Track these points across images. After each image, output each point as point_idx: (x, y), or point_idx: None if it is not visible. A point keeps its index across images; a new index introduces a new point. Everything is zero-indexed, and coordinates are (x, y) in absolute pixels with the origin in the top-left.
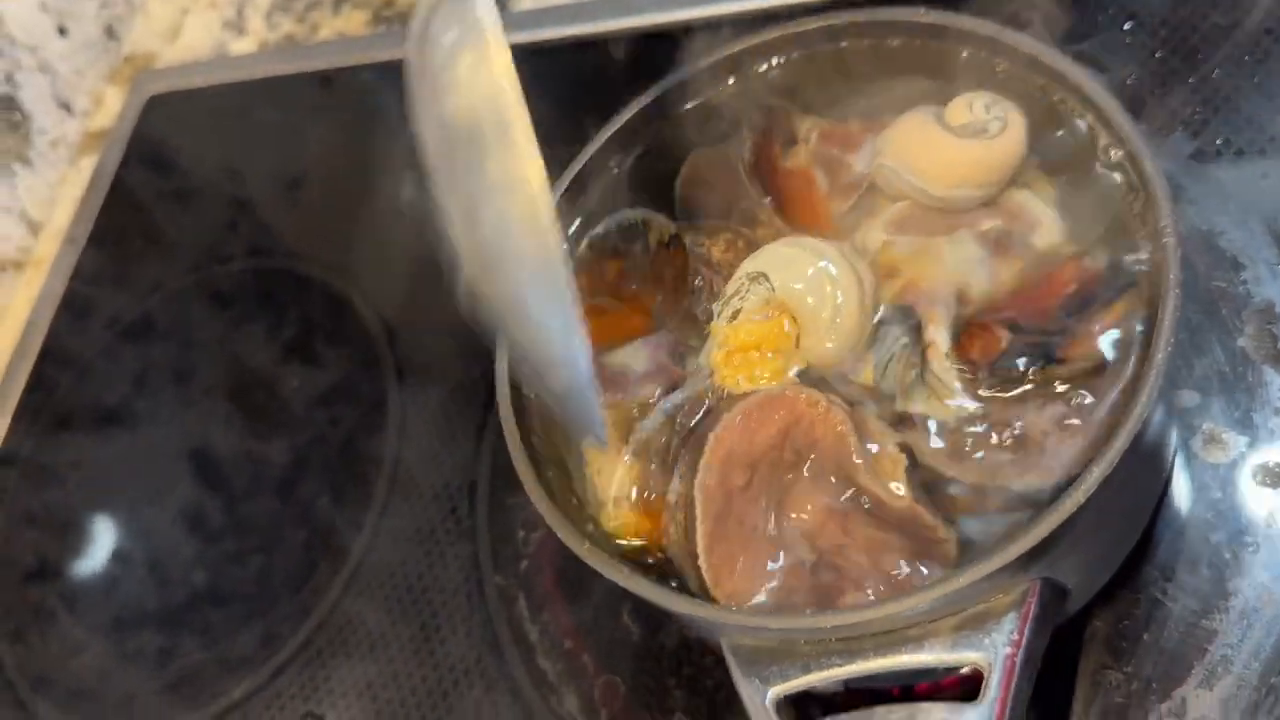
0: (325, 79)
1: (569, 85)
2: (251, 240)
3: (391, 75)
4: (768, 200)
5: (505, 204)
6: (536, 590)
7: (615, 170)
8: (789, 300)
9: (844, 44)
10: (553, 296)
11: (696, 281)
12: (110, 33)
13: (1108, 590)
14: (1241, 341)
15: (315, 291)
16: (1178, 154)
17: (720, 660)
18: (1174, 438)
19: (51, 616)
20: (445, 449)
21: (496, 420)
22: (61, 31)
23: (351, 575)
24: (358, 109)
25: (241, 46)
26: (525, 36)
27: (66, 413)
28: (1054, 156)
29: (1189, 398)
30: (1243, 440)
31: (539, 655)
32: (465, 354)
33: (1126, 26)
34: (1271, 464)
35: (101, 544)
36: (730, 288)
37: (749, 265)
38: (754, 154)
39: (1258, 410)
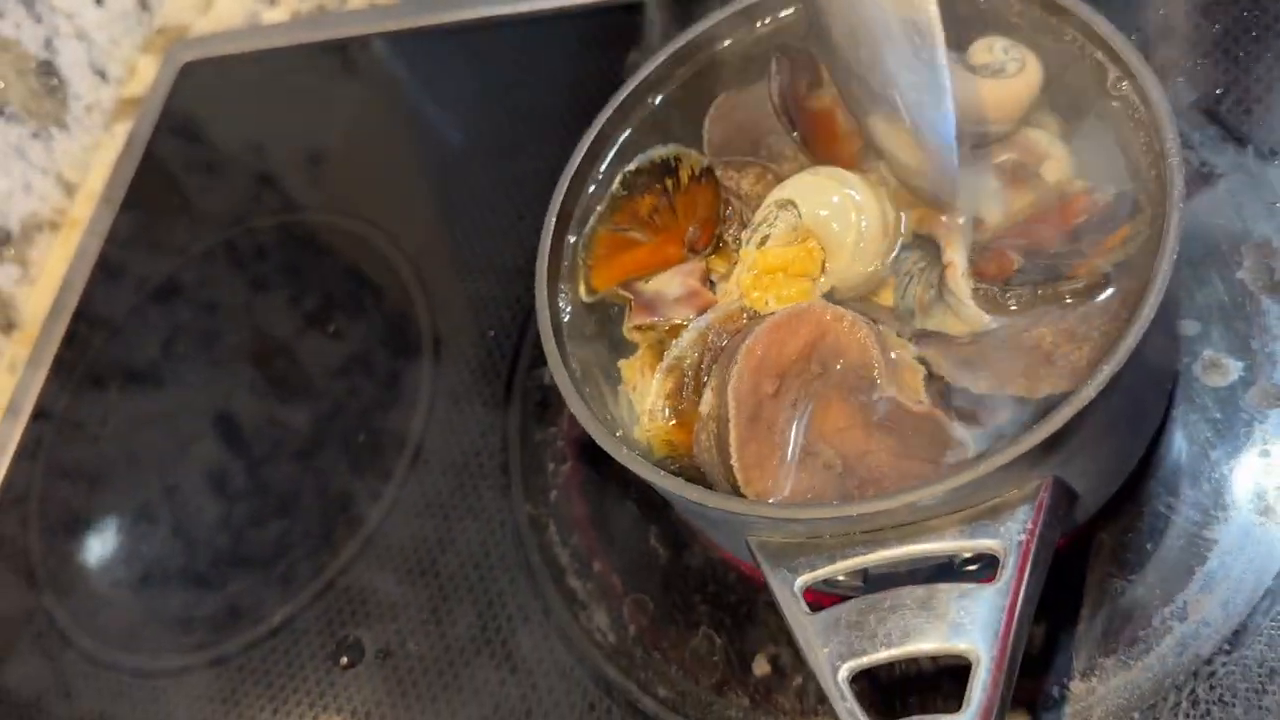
0: (356, 47)
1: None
2: (282, 203)
3: (421, 43)
4: (795, 135)
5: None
6: (565, 518)
7: (650, 109)
8: (815, 226)
9: None
10: (928, 68)
11: (727, 212)
12: (144, 4)
13: (1113, 504)
14: (1240, 274)
15: (346, 252)
16: (1179, 103)
17: (743, 577)
18: (1177, 362)
19: (85, 566)
20: (477, 395)
21: (524, 366)
22: (98, 1)
23: (391, 508)
24: (388, 75)
25: (273, 16)
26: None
27: (99, 371)
28: (1067, 96)
29: (1190, 326)
30: (1240, 365)
31: (569, 576)
32: (496, 303)
33: None
34: (1268, 386)
35: (129, 500)
36: (759, 215)
37: (777, 193)
38: (781, 93)
39: (1255, 337)
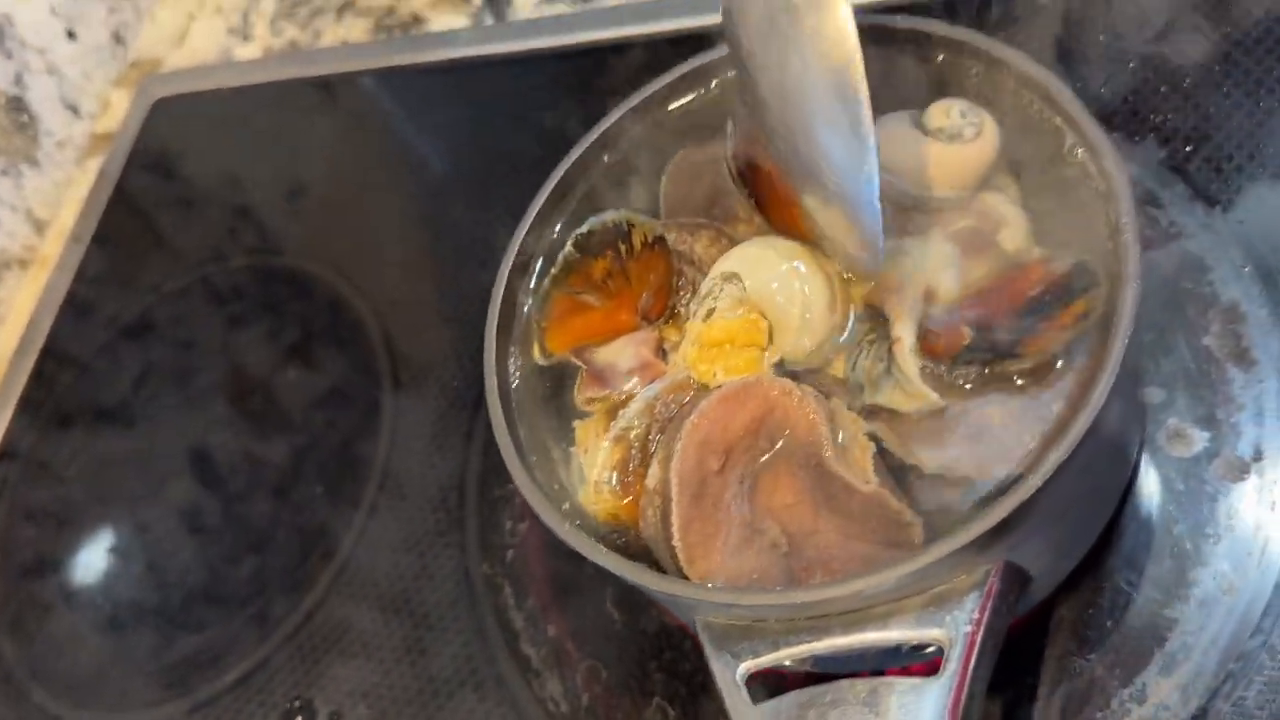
0: (328, 85)
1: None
2: (252, 242)
3: (392, 81)
4: (749, 197)
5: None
6: (522, 579)
7: (602, 170)
8: (760, 300)
9: None
10: (850, 127)
11: (680, 281)
12: (117, 38)
13: (1074, 578)
14: (1206, 340)
15: (314, 294)
16: (1149, 160)
17: (697, 646)
18: (1139, 432)
19: (49, 609)
20: (436, 447)
21: (485, 419)
22: (70, 35)
23: (342, 568)
24: (359, 115)
25: (246, 52)
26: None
27: (67, 410)
28: (1026, 161)
29: (1155, 394)
30: (1205, 435)
31: (523, 642)
32: (458, 354)
33: (1102, 38)
34: (1232, 458)
35: (99, 540)
36: (704, 287)
37: (722, 265)
38: (736, 153)
39: (1220, 406)
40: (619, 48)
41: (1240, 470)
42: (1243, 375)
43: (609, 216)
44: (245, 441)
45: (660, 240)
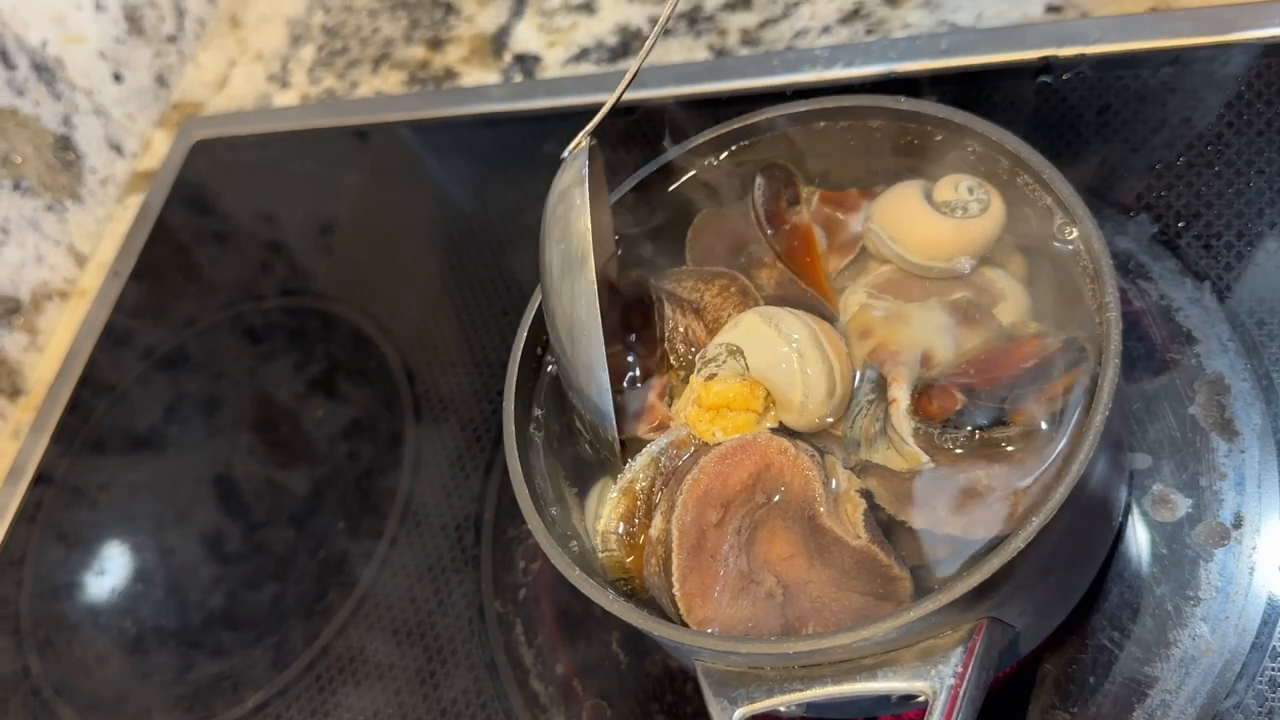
0: (361, 133)
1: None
2: (284, 281)
3: (423, 132)
4: (775, 246)
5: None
6: (533, 618)
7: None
8: (761, 377)
9: (829, 124)
10: (593, 350)
11: (673, 332)
12: (161, 81)
13: (1059, 635)
14: (1192, 410)
15: (341, 331)
16: (1141, 235)
17: (699, 689)
18: (1124, 496)
19: (76, 629)
20: (455, 484)
21: (503, 458)
22: (117, 78)
23: (361, 600)
24: (391, 163)
25: (284, 99)
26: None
27: (101, 437)
28: (1027, 239)
29: (1142, 460)
30: (1188, 501)
31: (533, 678)
32: (477, 396)
33: (1098, 113)
34: (1214, 524)
35: (126, 563)
36: (710, 351)
37: (727, 335)
38: (765, 204)
39: (1204, 474)
40: (641, 108)
41: (1221, 536)
42: (1226, 444)
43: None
44: (269, 471)
45: (660, 301)
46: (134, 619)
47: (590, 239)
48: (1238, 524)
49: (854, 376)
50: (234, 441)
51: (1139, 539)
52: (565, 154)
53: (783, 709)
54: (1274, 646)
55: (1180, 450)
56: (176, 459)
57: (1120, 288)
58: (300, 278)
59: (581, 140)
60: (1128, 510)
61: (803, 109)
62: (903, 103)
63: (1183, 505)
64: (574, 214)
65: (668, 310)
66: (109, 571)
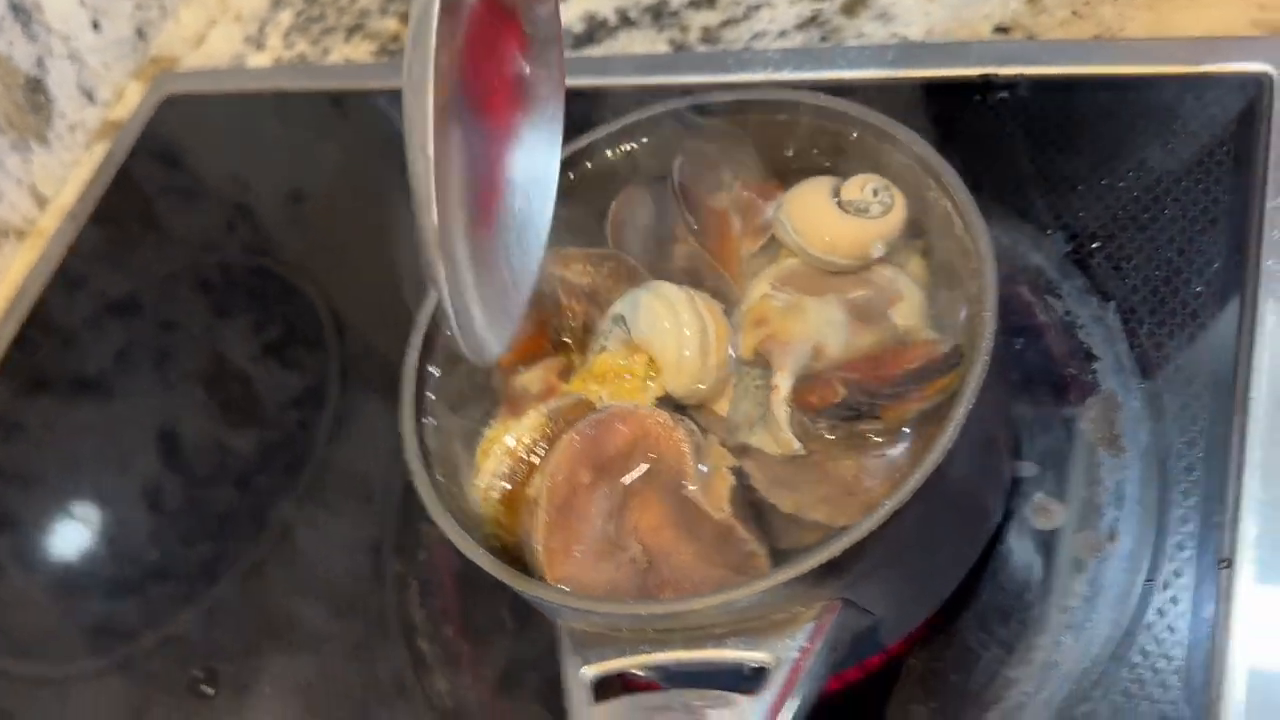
0: (331, 99)
1: None
2: (244, 240)
3: (393, 101)
4: (692, 223)
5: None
6: (430, 580)
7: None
8: (642, 343)
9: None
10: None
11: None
12: (140, 33)
13: (929, 633)
14: (1083, 424)
15: (294, 296)
16: (1054, 252)
17: None
18: (1001, 500)
19: (2, 569)
20: (377, 453)
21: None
22: (95, 26)
23: (269, 556)
24: (358, 130)
25: (258, 60)
26: None
27: (46, 376)
28: (931, 244)
29: (1028, 468)
30: (1066, 512)
31: (420, 638)
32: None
33: (1029, 133)
34: (1090, 536)
35: (60, 505)
36: (601, 326)
37: (616, 307)
38: (684, 183)
39: (1086, 487)
40: (596, 94)
41: (1095, 548)
42: (1111, 460)
43: None
44: (214, 428)
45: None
46: (61, 560)
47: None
48: (1112, 537)
49: (730, 345)
50: (181, 395)
51: (1016, 544)
52: None
53: (640, 673)
54: (1132, 659)
55: (1066, 462)
56: (121, 406)
57: (1028, 300)
58: (260, 239)
59: None
60: (1009, 516)
61: (706, 101)
62: (821, 99)
63: (1061, 515)
64: None
65: (560, 297)
66: (42, 511)
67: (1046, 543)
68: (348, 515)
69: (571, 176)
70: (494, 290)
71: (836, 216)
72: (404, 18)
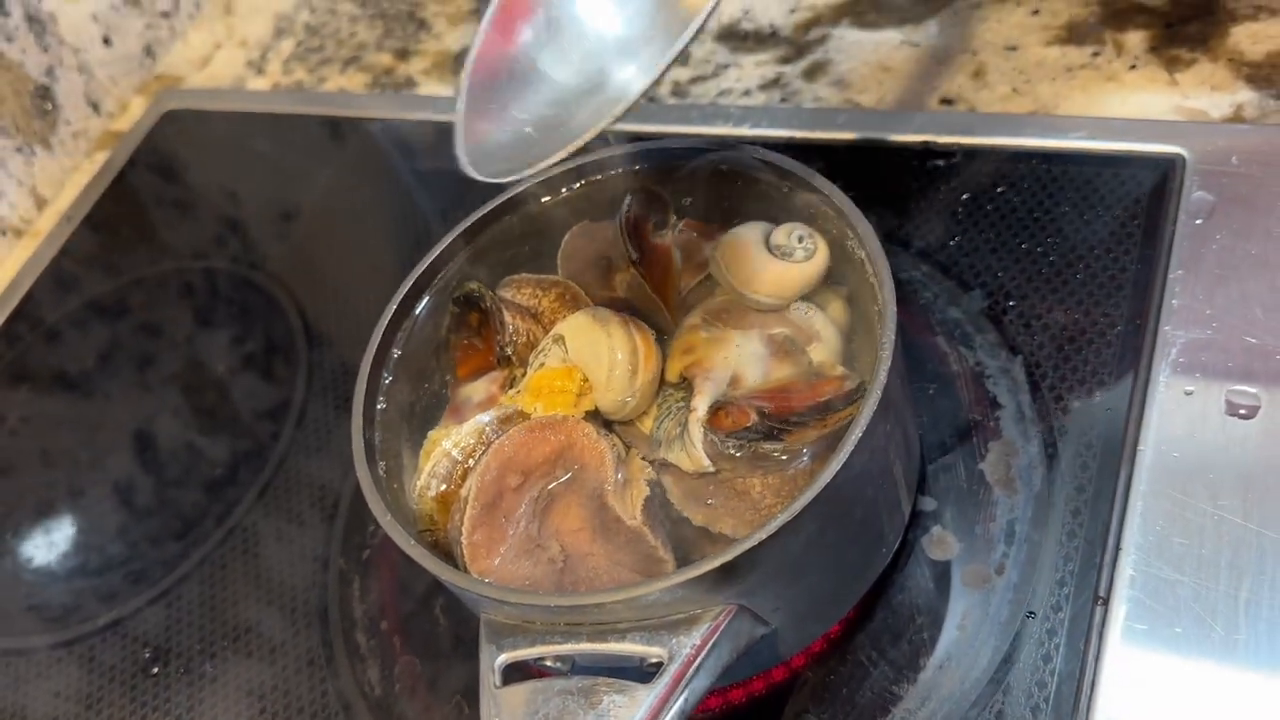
0: (325, 124)
1: None
2: (231, 253)
3: (387, 131)
4: (635, 257)
5: None
6: (371, 577)
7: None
8: (578, 360)
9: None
10: None
11: (511, 333)
12: (149, 51)
13: (828, 647)
14: (982, 465)
15: (274, 309)
16: (972, 308)
17: None
18: (899, 529)
19: None
20: (335, 461)
21: None
22: (106, 41)
23: (223, 547)
24: (348, 156)
25: (258, 84)
26: None
27: (27, 369)
28: (851, 289)
29: (928, 503)
30: (961, 545)
31: (358, 631)
32: None
33: (960, 197)
34: (979, 568)
35: (30, 495)
36: (542, 343)
37: (558, 328)
38: (630, 219)
39: (980, 523)
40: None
41: (983, 579)
42: (1006, 499)
43: (466, 286)
44: (185, 430)
45: (493, 304)
46: (27, 550)
47: None
48: (999, 571)
49: (658, 368)
50: (159, 398)
51: (911, 571)
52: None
53: (550, 662)
54: (1008, 683)
55: (964, 499)
56: (100, 404)
57: (944, 350)
58: (248, 253)
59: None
60: (907, 545)
61: (658, 147)
62: (759, 153)
63: (955, 547)
64: None
65: (507, 317)
66: (12, 499)
67: (939, 572)
68: (303, 517)
69: (531, 210)
70: (506, 127)
71: (765, 259)
72: (397, 53)
